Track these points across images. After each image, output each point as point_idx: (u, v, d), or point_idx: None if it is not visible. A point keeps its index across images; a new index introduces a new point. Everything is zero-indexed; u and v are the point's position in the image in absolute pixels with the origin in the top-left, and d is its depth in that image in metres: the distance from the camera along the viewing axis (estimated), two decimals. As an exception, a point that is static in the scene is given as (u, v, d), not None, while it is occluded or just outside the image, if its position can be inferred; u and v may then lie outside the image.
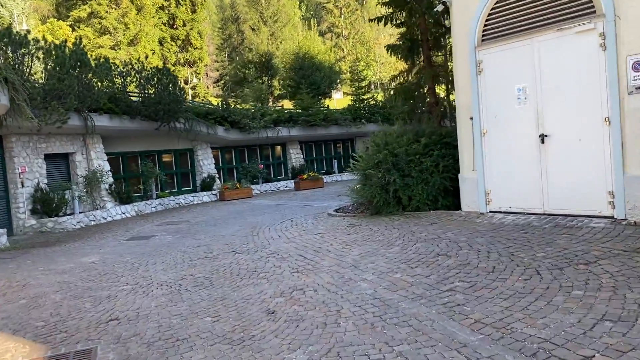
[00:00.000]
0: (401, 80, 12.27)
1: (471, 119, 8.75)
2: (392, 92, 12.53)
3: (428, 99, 11.93)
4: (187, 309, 5.97)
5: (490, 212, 8.66)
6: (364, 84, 29.67)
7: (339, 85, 38.59)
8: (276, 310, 5.44)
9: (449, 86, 11.28)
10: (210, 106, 23.21)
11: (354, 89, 29.81)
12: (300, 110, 26.13)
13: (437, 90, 12.33)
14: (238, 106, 23.37)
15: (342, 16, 79.87)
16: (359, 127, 28.05)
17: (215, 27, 73.26)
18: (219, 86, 69.12)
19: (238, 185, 21.77)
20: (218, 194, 21.65)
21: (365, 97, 29.40)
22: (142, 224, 15.70)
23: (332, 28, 79.58)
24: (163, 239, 12.01)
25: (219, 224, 13.97)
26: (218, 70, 71.03)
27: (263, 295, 6.07)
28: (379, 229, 8.91)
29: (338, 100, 43.96)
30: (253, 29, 63.68)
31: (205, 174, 22.42)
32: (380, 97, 29.57)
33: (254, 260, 7.92)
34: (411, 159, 9.98)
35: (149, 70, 19.14)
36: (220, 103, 23.15)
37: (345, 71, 45.20)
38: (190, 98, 24.01)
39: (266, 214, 15.18)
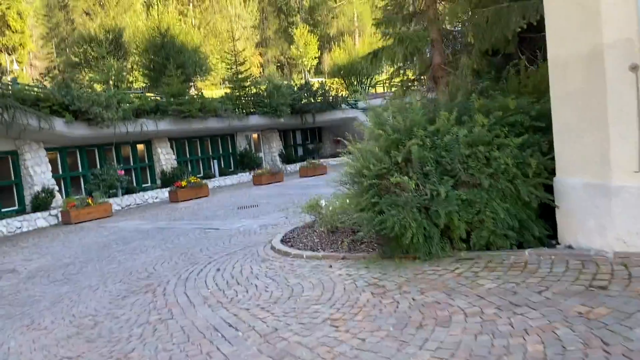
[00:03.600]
0: (398, 28, 7.32)
1: (634, 68, 4.39)
2: (386, 41, 7.57)
3: (432, 61, 7.36)
4: None
5: (684, 254, 4.38)
6: (244, 68, 24.41)
7: (205, 75, 32.56)
8: None
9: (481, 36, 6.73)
10: (41, 89, 16.32)
11: (231, 73, 24.43)
12: (169, 99, 20.13)
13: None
14: (87, 90, 16.82)
15: (191, 4, 72.79)
16: (242, 120, 22.87)
17: (39, 14, 61.62)
18: (47, 80, 58.14)
19: (90, 200, 15.35)
20: (60, 215, 15.03)
21: (246, 84, 24.16)
22: None
23: (180, 17, 71.90)
24: (-40, 331, 5.96)
25: (73, 277, 8.09)
26: (46, 61, 59.86)
27: None
28: (470, 310, 4.09)
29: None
30: (87, 14, 54.04)
31: (38, 187, 15.58)
32: (264, 88, 24.49)
33: None
34: (471, 154, 5.36)
35: None
36: (56, 86, 16.41)
37: (207, 57, 39.12)
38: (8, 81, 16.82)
39: (151, 249, 9.54)
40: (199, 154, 22.81)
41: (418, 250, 5.48)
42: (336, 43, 56.37)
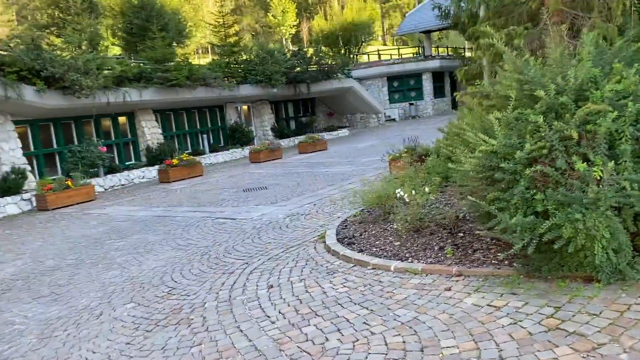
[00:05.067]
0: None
1: None
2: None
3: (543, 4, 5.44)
4: None
5: None
6: (232, 31, 22.08)
7: (185, 41, 29.88)
8: None
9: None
10: (7, 52, 13.85)
11: (219, 37, 22.06)
12: (154, 65, 17.77)
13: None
14: (59, 53, 14.37)
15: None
16: (232, 90, 20.64)
17: (-5, -24, 56.92)
18: (13, 42, 53.89)
19: (69, 182, 13.17)
20: (35, 200, 12.84)
21: (235, 49, 21.84)
22: None
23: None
24: None
25: (63, 291, 6.13)
26: (6, 29, 55.47)
27: None
28: None
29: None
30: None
31: (6, 167, 13.31)
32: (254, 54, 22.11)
33: None
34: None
35: None
36: (25, 48, 13.95)
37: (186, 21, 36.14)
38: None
39: (158, 246, 7.59)
40: (186, 128, 20.57)
41: (597, 270, 3.72)
42: (321, 9, 53.68)
